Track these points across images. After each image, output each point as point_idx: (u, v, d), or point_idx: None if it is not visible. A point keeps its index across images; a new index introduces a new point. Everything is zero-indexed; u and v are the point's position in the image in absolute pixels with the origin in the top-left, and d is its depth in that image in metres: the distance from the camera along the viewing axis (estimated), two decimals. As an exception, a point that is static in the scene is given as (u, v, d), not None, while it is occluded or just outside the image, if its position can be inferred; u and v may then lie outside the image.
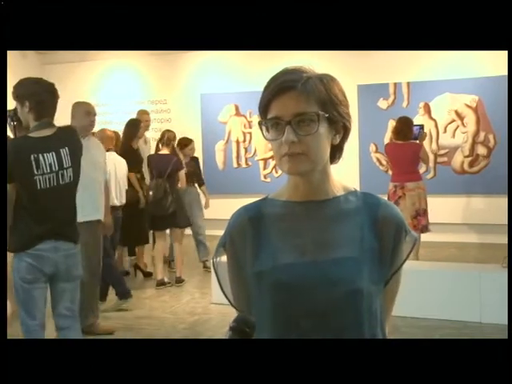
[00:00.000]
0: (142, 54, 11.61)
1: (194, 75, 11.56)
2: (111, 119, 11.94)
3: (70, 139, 3.96)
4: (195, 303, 6.93)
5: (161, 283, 7.59)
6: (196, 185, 8.49)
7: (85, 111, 5.54)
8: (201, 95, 11.41)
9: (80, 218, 5.39)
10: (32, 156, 3.70)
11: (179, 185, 7.65)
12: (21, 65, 11.06)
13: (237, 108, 11.18)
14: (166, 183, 7.40)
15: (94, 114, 5.63)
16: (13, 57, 9.40)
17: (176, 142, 8.03)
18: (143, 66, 12.01)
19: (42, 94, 3.79)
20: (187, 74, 11.65)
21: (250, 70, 10.81)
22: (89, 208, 5.51)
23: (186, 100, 11.48)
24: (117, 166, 7.32)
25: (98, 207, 5.75)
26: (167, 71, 11.70)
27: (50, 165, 3.76)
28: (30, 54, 11.90)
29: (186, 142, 8.40)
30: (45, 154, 3.74)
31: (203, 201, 8.58)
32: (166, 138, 7.74)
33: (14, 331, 4.02)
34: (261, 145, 10.86)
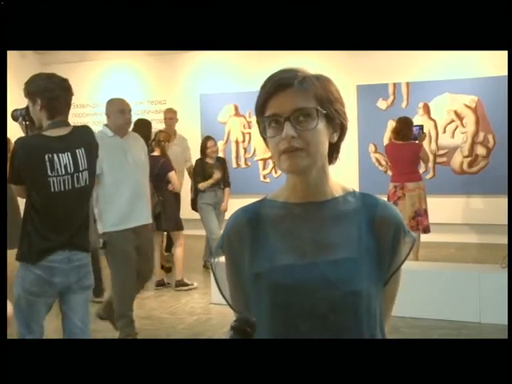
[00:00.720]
0: (140, 54, 11.61)
1: (193, 75, 11.56)
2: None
3: (87, 139, 3.70)
4: (194, 303, 6.93)
5: (160, 284, 7.58)
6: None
7: (118, 109, 5.22)
8: (200, 95, 11.41)
9: (136, 222, 5.20)
10: (46, 156, 3.44)
11: (170, 187, 7.38)
12: (20, 65, 11.05)
13: (236, 108, 11.18)
14: (150, 185, 7.24)
15: (129, 111, 5.31)
16: (12, 57, 9.39)
17: (166, 143, 7.72)
18: (142, 67, 12.01)
19: (54, 91, 3.49)
20: (186, 74, 11.65)
21: (249, 70, 10.81)
22: (145, 212, 5.37)
23: (185, 100, 11.48)
24: None
25: (149, 209, 5.58)
26: (166, 71, 11.70)
27: (66, 166, 3.49)
28: (30, 55, 11.90)
29: (203, 142, 8.15)
30: (60, 155, 3.48)
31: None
32: (157, 138, 7.57)
33: (14, 331, 4.02)
34: (260, 145, 10.86)
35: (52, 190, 3.45)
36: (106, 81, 12.20)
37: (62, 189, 3.48)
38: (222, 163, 8.28)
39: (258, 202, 1.72)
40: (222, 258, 1.72)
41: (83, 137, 3.68)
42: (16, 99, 3.91)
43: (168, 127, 8.45)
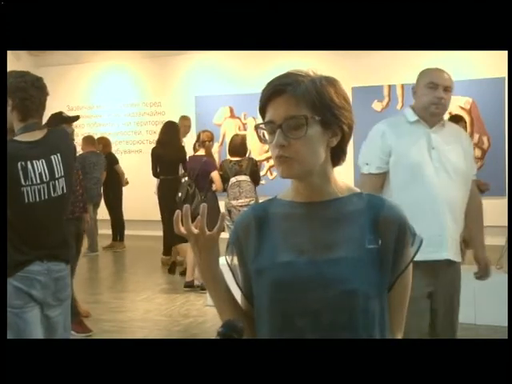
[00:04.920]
0: (136, 56, 11.61)
1: (188, 77, 11.57)
2: (105, 121, 11.95)
3: (63, 143, 3.38)
4: (190, 305, 6.91)
5: (189, 285, 7.50)
6: None
7: (427, 83, 3.35)
8: (195, 97, 11.42)
9: (434, 254, 3.48)
10: (19, 164, 3.10)
11: (214, 187, 7.30)
12: (14, 67, 10.97)
13: (231, 110, 11.19)
14: (192, 184, 7.20)
15: (447, 88, 3.34)
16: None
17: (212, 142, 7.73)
18: (137, 68, 12.01)
19: (27, 90, 3.16)
20: (181, 76, 11.66)
21: (244, 72, 10.82)
22: (454, 244, 3.81)
23: (180, 102, 11.48)
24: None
25: (457, 243, 3.92)
26: (161, 73, 11.71)
27: (40, 174, 3.17)
28: (24, 57, 11.85)
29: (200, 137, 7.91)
30: (34, 162, 3.15)
31: None
32: (201, 138, 7.54)
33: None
34: (255, 147, 10.86)
35: (26, 200, 3.14)
36: (100, 83, 12.19)
37: (38, 199, 3.17)
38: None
39: (268, 201, 1.75)
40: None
41: (59, 141, 3.36)
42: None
43: (185, 135, 8.46)
